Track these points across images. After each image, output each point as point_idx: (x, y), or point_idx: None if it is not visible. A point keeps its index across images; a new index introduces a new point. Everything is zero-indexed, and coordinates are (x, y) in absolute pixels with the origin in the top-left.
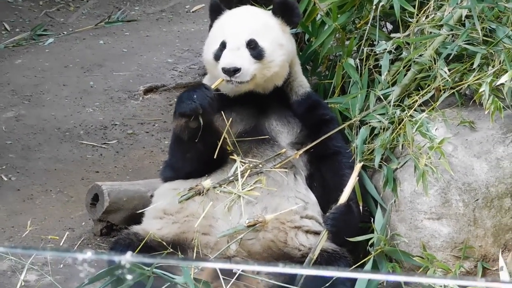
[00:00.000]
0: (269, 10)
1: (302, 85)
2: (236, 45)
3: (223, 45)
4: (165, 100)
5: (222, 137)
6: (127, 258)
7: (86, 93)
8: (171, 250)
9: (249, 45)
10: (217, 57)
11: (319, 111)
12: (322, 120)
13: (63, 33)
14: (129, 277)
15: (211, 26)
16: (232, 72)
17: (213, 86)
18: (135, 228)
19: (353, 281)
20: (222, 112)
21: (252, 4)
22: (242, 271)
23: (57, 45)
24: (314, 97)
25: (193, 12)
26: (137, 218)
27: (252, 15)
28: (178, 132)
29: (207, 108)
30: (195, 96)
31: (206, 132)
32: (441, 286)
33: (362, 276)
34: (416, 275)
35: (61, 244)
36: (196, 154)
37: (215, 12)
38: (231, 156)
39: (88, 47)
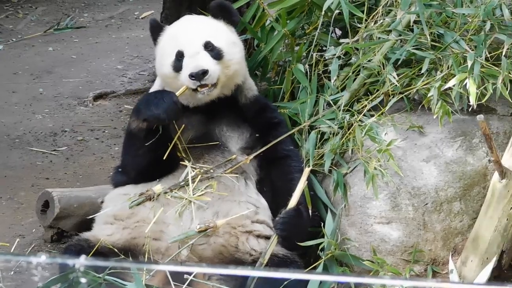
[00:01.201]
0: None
1: (251, 87)
2: (195, 50)
3: (180, 55)
4: (115, 106)
5: (173, 143)
6: (81, 261)
7: (35, 99)
8: (122, 256)
9: (207, 47)
10: (176, 68)
11: (268, 114)
12: (271, 124)
13: (12, 40)
14: (83, 280)
15: (156, 44)
16: (201, 75)
17: (178, 93)
18: (86, 235)
19: (304, 286)
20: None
21: (200, 13)
22: (193, 276)
23: (6, 52)
24: (263, 100)
25: (142, 18)
26: (88, 225)
27: (198, 21)
28: (134, 133)
29: (173, 119)
30: (164, 106)
31: (162, 136)
32: (391, 287)
33: (313, 278)
34: (366, 276)
35: (11, 250)
36: (148, 153)
37: (156, 30)
38: (182, 162)
39: (38, 54)
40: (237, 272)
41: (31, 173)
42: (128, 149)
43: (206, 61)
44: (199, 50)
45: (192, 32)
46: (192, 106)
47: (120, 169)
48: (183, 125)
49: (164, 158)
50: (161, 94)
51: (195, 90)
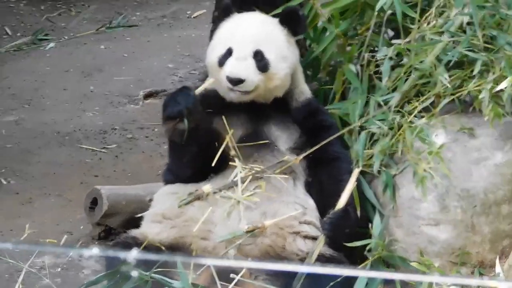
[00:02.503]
0: (274, 16)
1: (303, 92)
2: (243, 54)
3: (229, 52)
4: None
5: (225, 142)
6: (133, 254)
7: (86, 97)
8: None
9: (256, 56)
10: (221, 62)
11: (319, 117)
12: (321, 126)
13: (64, 38)
14: (134, 274)
15: (216, 26)
16: (235, 82)
17: (202, 87)
18: (134, 232)
19: (352, 285)
20: (222, 115)
21: (255, 8)
22: (240, 276)
23: (58, 49)
24: (314, 103)
25: (194, 17)
26: (135, 222)
27: (261, 23)
28: (169, 137)
29: (192, 107)
30: (178, 99)
31: (197, 132)
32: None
33: (362, 274)
34: (415, 273)
35: None
36: (192, 157)
37: (225, 13)
38: (231, 162)
39: (89, 52)
40: (284, 268)
41: (80, 170)
42: (173, 156)
43: (248, 71)
44: (247, 57)
45: (249, 35)
46: (237, 102)
47: (169, 169)
48: (230, 130)
49: (213, 163)
50: (175, 92)
51: (229, 88)
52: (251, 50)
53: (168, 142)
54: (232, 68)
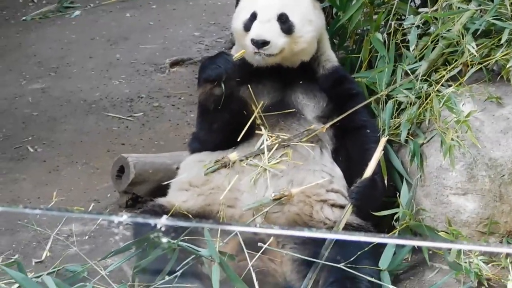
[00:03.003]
0: None
1: (330, 59)
2: (267, 17)
3: (253, 16)
4: (191, 73)
5: (256, 112)
6: (163, 221)
7: (112, 65)
8: (197, 219)
9: (280, 19)
10: (246, 27)
11: (346, 86)
12: (348, 95)
13: (90, 6)
14: (164, 240)
15: None
16: (261, 44)
17: (235, 57)
18: (161, 200)
19: (378, 256)
20: (248, 84)
21: None
22: (267, 244)
23: (83, 17)
24: (341, 71)
25: None
26: (162, 191)
27: None
28: (203, 101)
29: (230, 72)
30: (218, 62)
31: (230, 99)
32: (469, 254)
33: (390, 241)
34: (443, 241)
35: None
36: (222, 124)
37: None
38: (257, 131)
39: (115, 20)
40: (312, 235)
41: (107, 138)
42: (202, 122)
43: (272, 32)
44: (270, 19)
45: None
46: (263, 66)
47: (196, 137)
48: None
49: (244, 131)
50: (214, 56)
51: (254, 52)
52: (275, 13)
53: (199, 107)
54: (256, 30)
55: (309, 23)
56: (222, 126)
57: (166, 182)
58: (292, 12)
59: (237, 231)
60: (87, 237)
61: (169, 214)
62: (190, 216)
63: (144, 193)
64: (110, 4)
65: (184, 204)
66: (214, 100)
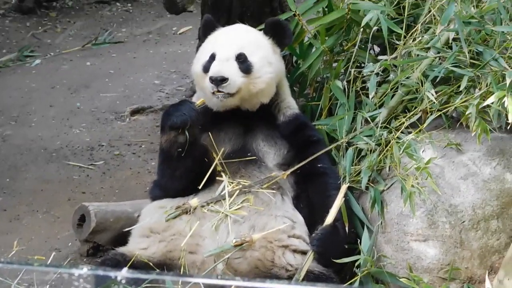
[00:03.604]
0: (260, 29)
1: (290, 106)
2: (226, 56)
3: (212, 57)
4: (152, 121)
5: (217, 159)
6: (123, 273)
7: (72, 114)
8: (158, 270)
9: (238, 58)
10: (205, 69)
11: (307, 133)
12: (309, 142)
13: (50, 54)
14: None
15: (201, 42)
16: (219, 81)
17: (196, 104)
18: (122, 249)
19: None
20: (209, 131)
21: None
22: None
23: (44, 66)
24: (302, 118)
25: (179, 34)
26: (124, 239)
27: (244, 31)
28: (167, 148)
29: (194, 120)
30: (182, 109)
31: (193, 146)
32: None
33: None
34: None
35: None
36: (185, 171)
37: (208, 28)
38: (218, 177)
39: (75, 68)
40: (273, 287)
41: (68, 187)
42: (165, 169)
43: (230, 70)
44: (229, 58)
45: (231, 40)
46: (222, 109)
47: (157, 184)
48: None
49: (206, 177)
50: (178, 103)
51: (213, 93)
52: (233, 52)
53: (161, 154)
54: (215, 68)
55: (268, 65)
56: (184, 173)
57: (127, 229)
58: (251, 53)
59: (198, 282)
60: (48, 286)
61: (130, 264)
62: (151, 264)
63: (105, 242)
64: (71, 53)
65: (145, 252)
66: (178, 147)
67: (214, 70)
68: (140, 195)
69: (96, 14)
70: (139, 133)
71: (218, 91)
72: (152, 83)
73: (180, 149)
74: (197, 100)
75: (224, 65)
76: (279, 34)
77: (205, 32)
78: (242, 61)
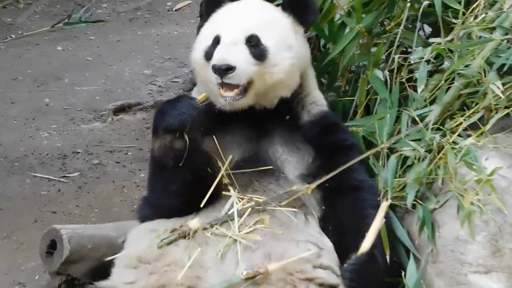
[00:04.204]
0: (278, 5)
1: (316, 102)
2: (233, 39)
3: (216, 41)
4: (141, 122)
5: (223, 169)
6: None
7: (40, 112)
8: None
9: (249, 41)
10: (208, 55)
11: (337, 136)
12: (340, 147)
13: (11, 37)
14: None
15: (203, 21)
16: (223, 71)
17: (198, 100)
18: (103, 284)
19: None
20: (213, 134)
21: None
22: None
23: (3, 52)
24: (331, 118)
25: (176, 10)
26: (105, 271)
27: (257, 7)
28: (160, 157)
29: (196, 121)
30: (180, 108)
31: (194, 154)
32: None
33: None
34: None
35: None
36: (182, 185)
37: (212, 3)
38: (224, 192)
39: (43, 55)
40: None
41: (34, 205)
42: (157, 182)
43: (238, 56)
44: (237, 41)
45: (240, 18)
46: (232, 111)
47: (148, 201)
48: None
49: (207, 196)
50: (175, 99)
51: (219, 89)
52: (243, 34)
53: (152, 165)
54: (219, 54)
55: (288, 49)
56: (182, 187)
57: (109, 258)
58: (266, 34)
59: None
60: None
61: None
62: None
63: (81, 274)
64: (37, 35)
65: (132, 287)
66: (174, 155)
67: (218, 57)
68: (126, 215)
69: None
70: (125, 136)
71: (224, 84)
72: (141, 74)
73: (177, 158)
74: (198, 95)
75: (231, 50)
76: (301, 10)
77: (208, 8)
78: (254, 44)
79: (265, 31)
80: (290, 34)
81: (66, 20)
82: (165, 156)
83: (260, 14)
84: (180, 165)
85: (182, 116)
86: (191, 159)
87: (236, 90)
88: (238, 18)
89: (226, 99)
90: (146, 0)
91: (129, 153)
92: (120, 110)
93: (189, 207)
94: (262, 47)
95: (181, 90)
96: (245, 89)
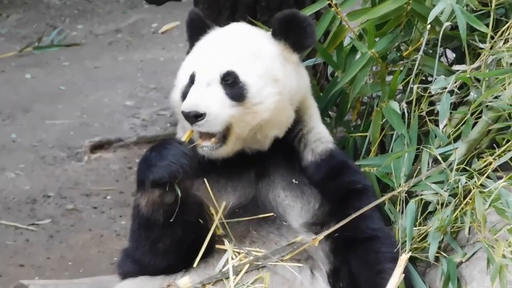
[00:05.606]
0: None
1: (321, 138)
2: (206, 79)
3: (191, 79)
4: (122, 161)
5: (217, 218)
6: None
7: (5, 150)
8: None
9: (225, 79)
10: (184, 96)
11: (347, 178)
12: (350, 191)
13: None
14: None
15: (190, 49)
16: (193, 118)
17: (183, 139)
18: None
19: None
20: (204, 177)
21: (249, 22)
22: None
23: None
24: (339, 156)
25: (162, 33)
26: None
27: (240, 36)
28: (148, 213)
29: (188, 171)
30: (169, 155)
31: (185, 205)
32: None
33: None
34: None
35: None
36: (172, 242)
37: (195, 29)
38: (218, 245)
39: (9, 83)
40: None
41: None
42: (142, 240)
43: (210, 100)
44: (211, 81)
45: (217, 52)
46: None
47: (129, 255)
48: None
49: (199, 255)
50: (161, 144)
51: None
52: (218, 72)
53: (136, 219)
54: (188, 98)
55: (274, 83)
56: (171, 245)
57: None
58: (246, 69)
59: None
60: None
61: None
62: None
63: None
64: (2, 60)
65: None
66: (164, 211)
67: (187, 103)
68: (105, 269)
69: (40, 3)
70: (103, 178)
71: (203, 137)
72: (122, 105)
73: (167, 213)
74: (183, 132)
75: (203, 93)
76: (295, 33)
77: (191, 35)
78: (231, 83)
79: (245, 65)
80: (276, 65)
81: (36, 44)
82: (154, 213)
83: (242, 45)
84: (170, 221)
85: (172, 167)
86: (183, 213)
87: (213, 139)
88: (215, 52)
89: (203, 149)
90: (129, 20)
91: (108, 197)
92: (98, 147)
93: (178, 265)
94: (240, 85)
95: (168, 124)
96: (224, 136)
